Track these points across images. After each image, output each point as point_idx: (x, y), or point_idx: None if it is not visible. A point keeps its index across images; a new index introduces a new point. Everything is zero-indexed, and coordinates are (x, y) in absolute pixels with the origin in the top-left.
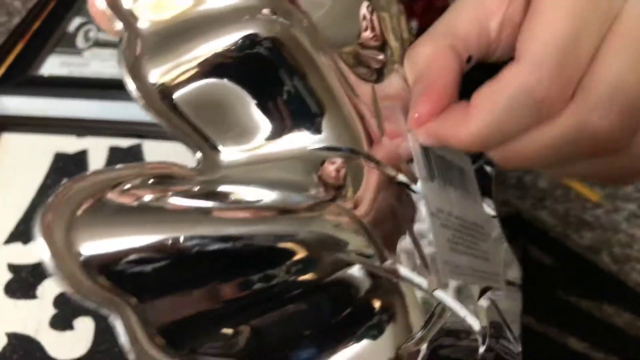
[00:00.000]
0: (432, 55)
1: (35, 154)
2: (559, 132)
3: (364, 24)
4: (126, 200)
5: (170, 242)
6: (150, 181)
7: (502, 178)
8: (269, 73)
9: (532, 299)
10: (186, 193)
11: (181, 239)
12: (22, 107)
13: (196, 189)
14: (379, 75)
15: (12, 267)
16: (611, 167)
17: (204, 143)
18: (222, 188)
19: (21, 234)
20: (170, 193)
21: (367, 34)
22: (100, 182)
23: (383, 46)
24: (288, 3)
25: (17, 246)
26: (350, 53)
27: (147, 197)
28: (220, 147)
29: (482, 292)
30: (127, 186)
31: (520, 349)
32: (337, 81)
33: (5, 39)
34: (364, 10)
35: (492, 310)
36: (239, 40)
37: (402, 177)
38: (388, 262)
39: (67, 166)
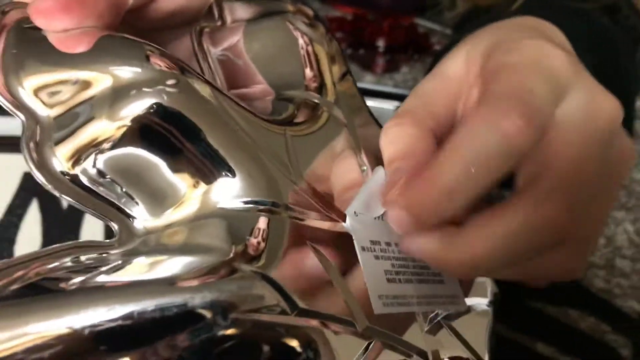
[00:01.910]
0: (416, 137)
1: (3, 173)
2: (511, 227)
3: (303, 57)
4: (57, 283)
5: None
6: (77, 258)
7: None
8: (175, 138)
9: (503, 308)
10: (109, 271)
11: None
12: None
13: (116, 263)
14: (313, 117)
15: None
16: (556, 262)
17: (120, 214)
18: (137, 260)
19: None
20: (95, 272)
21: (308, 72)
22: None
23: (320, 89)
24: (189, 76)
25: None
26: (296, 102)
27: (77, 279)
28: (135, 215)
29: (433, 319)
30: (54, 266)
31: None
32: (245, 135)
33: None
34: (304, 52)
35: (446, 335)
36: (140, 110)
37: (326, 220)
38: (304, 313)
39: (35, 186)
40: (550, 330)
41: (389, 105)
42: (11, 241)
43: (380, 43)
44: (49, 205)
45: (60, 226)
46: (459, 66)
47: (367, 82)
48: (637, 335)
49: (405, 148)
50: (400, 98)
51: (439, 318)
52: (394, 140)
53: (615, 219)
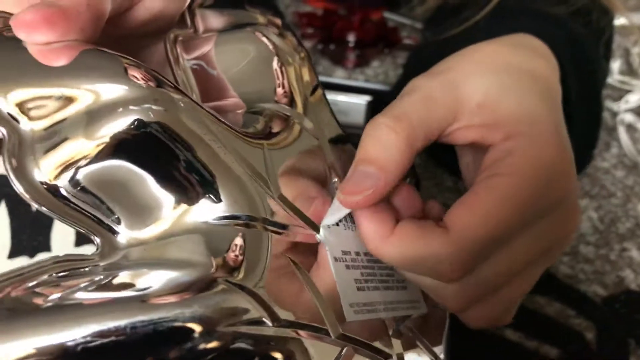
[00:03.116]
0: (401, 155)
1: None
2: (435, 251)
3: (274, 70)
4: (34, 300)
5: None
6: (58, 274)
7: (440, 181)
8: (156, 154)
9: None
10: (88, 286)
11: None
12: None
13: (97, 278)
14: (285, 129)
15: None
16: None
17: (101, 227)
18: (121, 274)
19: None
20: (74, 288)
21: (279, 84)
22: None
23: (291, 102)
24: (172, 91)
25: None
26: (267, 114)
27: (55, 295)
28: (118, 229)
29: (399, 323)
30: (33, 283)
31: None
32: (226, 151)
33: None
34: (275, 65)
35: (410, 339)
36: (125, 127)
37: (301, 232)
38: (284, 324)
39: (3, 187)
40: (518, 316)
41: (360, 99)
42: None
43: (351, 38)
44: (18, 207)
45: (30, 228)
46: (469, 93)
47: (338, 77)
48: (600, 319)
49: (387, 160)
50: (371, 92)
51: (403, 323)
52: (380, 142)
53: (580, 206)
